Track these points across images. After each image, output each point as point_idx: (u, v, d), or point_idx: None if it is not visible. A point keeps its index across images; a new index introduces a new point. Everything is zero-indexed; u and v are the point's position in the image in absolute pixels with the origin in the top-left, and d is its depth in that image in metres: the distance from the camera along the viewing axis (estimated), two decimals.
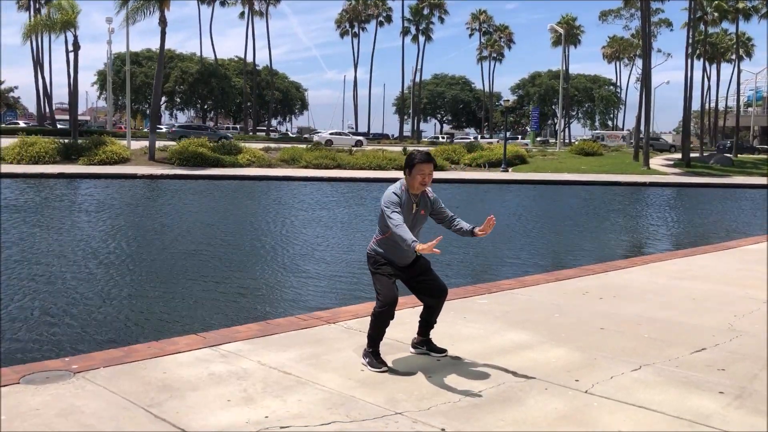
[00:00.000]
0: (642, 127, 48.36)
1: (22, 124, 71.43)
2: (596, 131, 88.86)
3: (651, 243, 16.61)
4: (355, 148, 47.69)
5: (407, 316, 5.97)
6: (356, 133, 72.99)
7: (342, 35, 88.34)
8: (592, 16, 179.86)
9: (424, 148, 51.53)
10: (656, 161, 49.60)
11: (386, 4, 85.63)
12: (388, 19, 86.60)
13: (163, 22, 38.86)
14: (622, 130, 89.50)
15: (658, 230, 18.95)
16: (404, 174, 4.89)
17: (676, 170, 44.86)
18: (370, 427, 3.82)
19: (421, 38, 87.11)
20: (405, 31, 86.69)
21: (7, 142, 38.49)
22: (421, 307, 5.18)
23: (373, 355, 4.86)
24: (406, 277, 4.96)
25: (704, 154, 55.78)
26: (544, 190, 32.36)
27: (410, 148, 49.95)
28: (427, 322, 5.11)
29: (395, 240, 4.70)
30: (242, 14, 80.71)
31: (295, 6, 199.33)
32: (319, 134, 64.36)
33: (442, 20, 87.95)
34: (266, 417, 3.93)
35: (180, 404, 4.09)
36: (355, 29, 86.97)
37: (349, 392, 4.35)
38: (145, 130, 60.32)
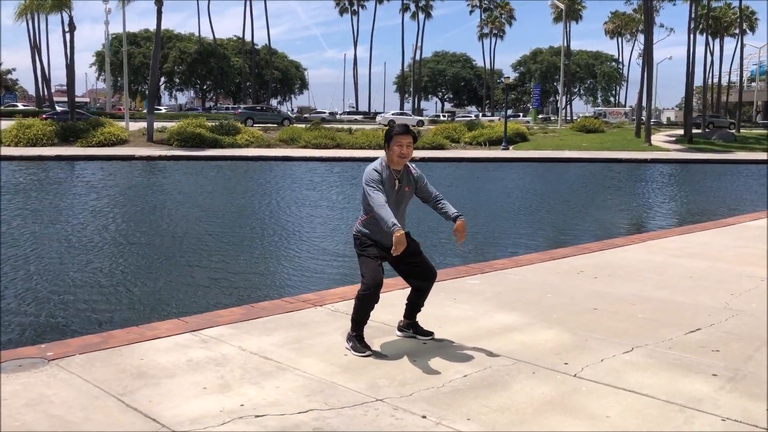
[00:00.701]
0: (644, 104, 47.94)
1: (20, 106, 71.18)
2: (598, 108, 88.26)
3: (650, 220, 16.44)
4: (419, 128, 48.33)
5: (396, 298, 5.83)
6: (419, 115, 74.40)
7: (341, 13, 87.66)
8: None
9: (425, 128, 51.31)
10: (658, 137, 49.25)
11: None
12: None
13: (159, 1, 38.46)
14: (625, 106, 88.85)
15: (658, 207, 18.77)
16: (384, 149, 4.73)
17: (678, 146, 44.56)
18: (348, 414, 3.69)
19: (421, 15, 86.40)
20: (404, 8, 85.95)
21: (5, 124, 38.33)
22: (410, 289, 5.04)
23: (356, 339, 4.72)
24: (394, 259, 4.79)
25: (706, 130, 55.34)
26: (545, 167, 32.11)
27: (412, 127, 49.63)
28: (414, 304, 4.97)
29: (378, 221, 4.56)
30: None
31: None
32: (382, 115, 65.12)
33: None
34: (242, 405, 3.79)
35: (153, 392, 3.96)
36: (355, 6, 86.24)
37: (330, 378, 4.22)
38: (145, 111, 60.08)
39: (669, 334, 5.19)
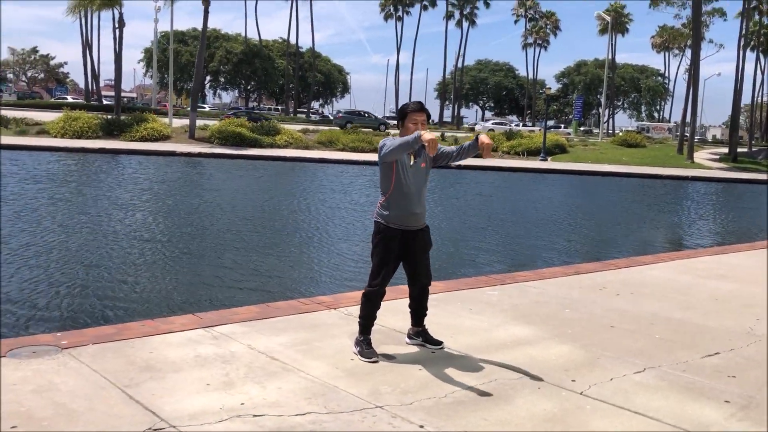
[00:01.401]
0: (688, 119, 47.04)
1: (70, 99, 72.99)
2: (642, 123, 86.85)
3: (683, 239, 16.10)
4: None
5: (407, 305, 5.80)
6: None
7: (386, 18, 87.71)
8: (642, 5, 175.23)
9: (463, 134, 51.20)
10: (701, 155, 48.31)
11: None
12: (433, 2, 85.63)
13: (206, 0, 39.10)
14: (669, 122, 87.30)
15: (693, 226, 18.37)
16: (398, 127, 4.78)
17: (722, 165, 43.62)
18: (345, 420, 3.69)
19: (465, 23, 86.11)
20: (449, 16, 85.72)
21: (53, 116, 39.36)
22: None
23: (364, 343, 4.73)
24: (408, 252, 4.75)
25: (753, 149, 54.03)
26: (582, 180, 31.72)
27: (448, 134, 49.55)
28: (416, 311, 4.99)
29: (397, 198, 4.60)
30: None
31: None
32: (482, 124, 68.04)
33: (487, 5, 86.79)
34: (242, 404, 3.82)
35: (158, 386, 4.01)
36: (399, 13, 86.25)
37: (333, 382, 4.22)
38: (189, 108, 61.12)
39: (685, 356, 5.07)
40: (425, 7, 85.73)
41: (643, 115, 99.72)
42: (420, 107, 4.73)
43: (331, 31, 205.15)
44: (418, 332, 5.04)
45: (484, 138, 4.49)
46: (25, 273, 8.84)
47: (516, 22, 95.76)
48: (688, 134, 45.85)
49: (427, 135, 4.21)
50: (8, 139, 32.49)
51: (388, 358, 4.72)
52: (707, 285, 7.77)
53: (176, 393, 3.93)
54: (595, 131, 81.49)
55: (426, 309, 4.98)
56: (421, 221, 4.80)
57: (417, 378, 4.37)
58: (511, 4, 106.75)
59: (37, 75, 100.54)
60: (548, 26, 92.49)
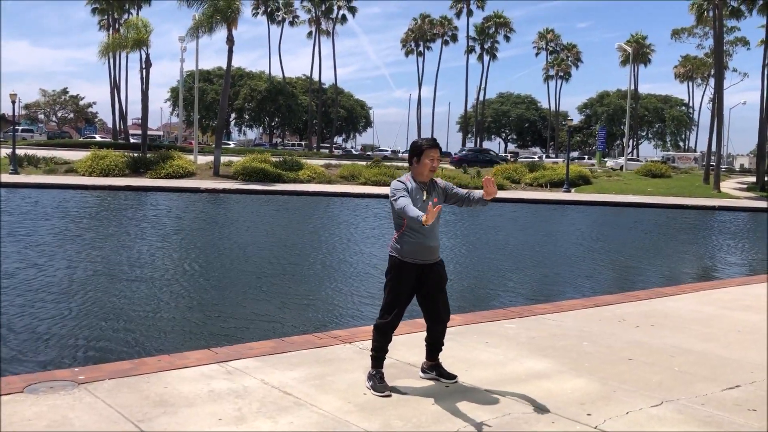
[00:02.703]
0: (713, 148, 46.60)
1: (98, 138, 74.65)
2: (667, 153, 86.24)
3: (709, 270, 15.85)
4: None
5: (422, 339, 5.78)
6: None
7: (407, 54, 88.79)
8: (664, 35, 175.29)
9: (486, 168, 51.24)
10: (728, 184, 47.72)
11: (452, 23, 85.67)
12: (454, 38, 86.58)
13: (230, 40, 39.91)
14: (695, 151, 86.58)
15: (720, 257, 18.08)
16: (412, 163, 4.84)
17: (750, 194, 42.99)
18: None
19: (486, 57, 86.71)
20: (470, 50, 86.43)
21: (81, 155, 40.22)
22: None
23: (377, 377, 4.72)
24: (422, 286, 4.77)
25: None
26: (605, 211, 31.46)
27: (471, 168, 49.60)
28: (431, 345, 4.98)
29: (412, 230, 4.65)
30: (310, 34, 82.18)
31: (366, 25, 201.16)
32: (615, 160, 69.34)
33: (507, 39, 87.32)
34: None
35: (170, 421, 4.04)
36: (420, 48, 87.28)
37: (344, 417, 4.21)
38: (214, 145, 62.03)
39: (704, 389, 4.98)
40: (446, 42, 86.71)
41: (669, 144, 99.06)
42: (434, 143, 4.83)
43: (354, 67, 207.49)
44: (432, 366, 5.02)
45: (485, 193, 4.61)
46: (50, 308, 8.97)
47: (537, 54, 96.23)
48: (714, 163, 45.37)
49: (430, 220, 4.25)
50: (37, 178, 33.25)
51: (401, 392, 4.70)
52: (731, 316, 7.64)
53: (188, 427, 3.95)
54: (618, 161, 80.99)
55: (443, 344, 4.97)
56: (435, 254, 4.83)
57: (429, 412, 4.34)
58: (531, 37, 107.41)
59: (66, 115, 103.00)
60: (569, 58, 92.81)
